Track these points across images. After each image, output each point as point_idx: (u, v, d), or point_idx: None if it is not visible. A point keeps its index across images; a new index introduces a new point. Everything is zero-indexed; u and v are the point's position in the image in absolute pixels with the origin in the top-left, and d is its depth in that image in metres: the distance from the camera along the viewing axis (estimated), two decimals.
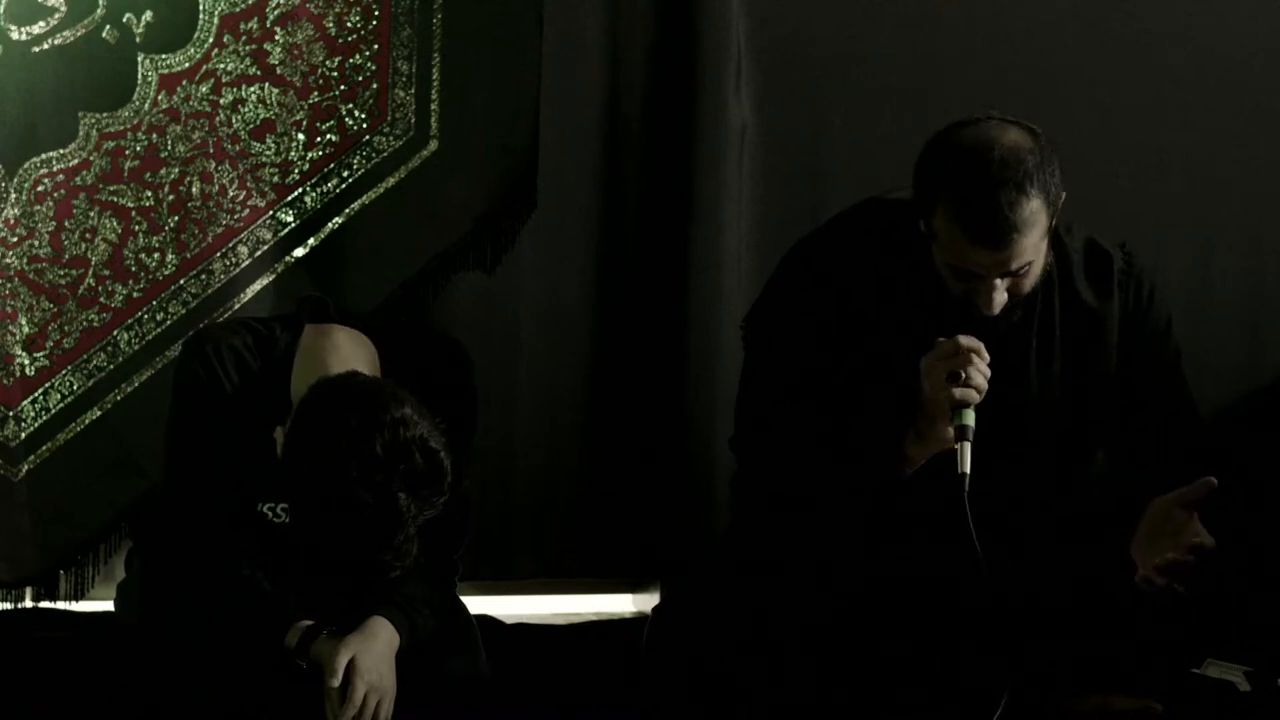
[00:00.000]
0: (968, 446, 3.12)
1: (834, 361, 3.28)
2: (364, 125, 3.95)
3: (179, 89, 3.87)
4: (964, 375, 3.13)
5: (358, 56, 3.93)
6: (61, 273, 3.86)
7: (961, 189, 3.14)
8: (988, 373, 3.15)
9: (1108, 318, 3.37)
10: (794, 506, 3.30)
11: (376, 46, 3.94)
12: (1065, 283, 3.35)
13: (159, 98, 3.86)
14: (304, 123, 3.93)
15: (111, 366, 3.89)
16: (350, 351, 3.27)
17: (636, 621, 4.03)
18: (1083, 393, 3.36)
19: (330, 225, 3.97)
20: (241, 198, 3.92)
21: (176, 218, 3.89)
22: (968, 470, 3.11)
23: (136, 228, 3.88)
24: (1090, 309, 3.36)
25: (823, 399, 3.27)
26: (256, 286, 3.94)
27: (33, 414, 3.86)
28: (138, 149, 3.87)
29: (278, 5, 3.89)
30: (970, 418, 3.13)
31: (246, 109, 3.90)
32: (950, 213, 3.15)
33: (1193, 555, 3.14)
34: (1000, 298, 3.18)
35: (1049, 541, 3.35)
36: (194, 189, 3.89)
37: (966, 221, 3.13)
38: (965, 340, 3.15)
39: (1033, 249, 3.16)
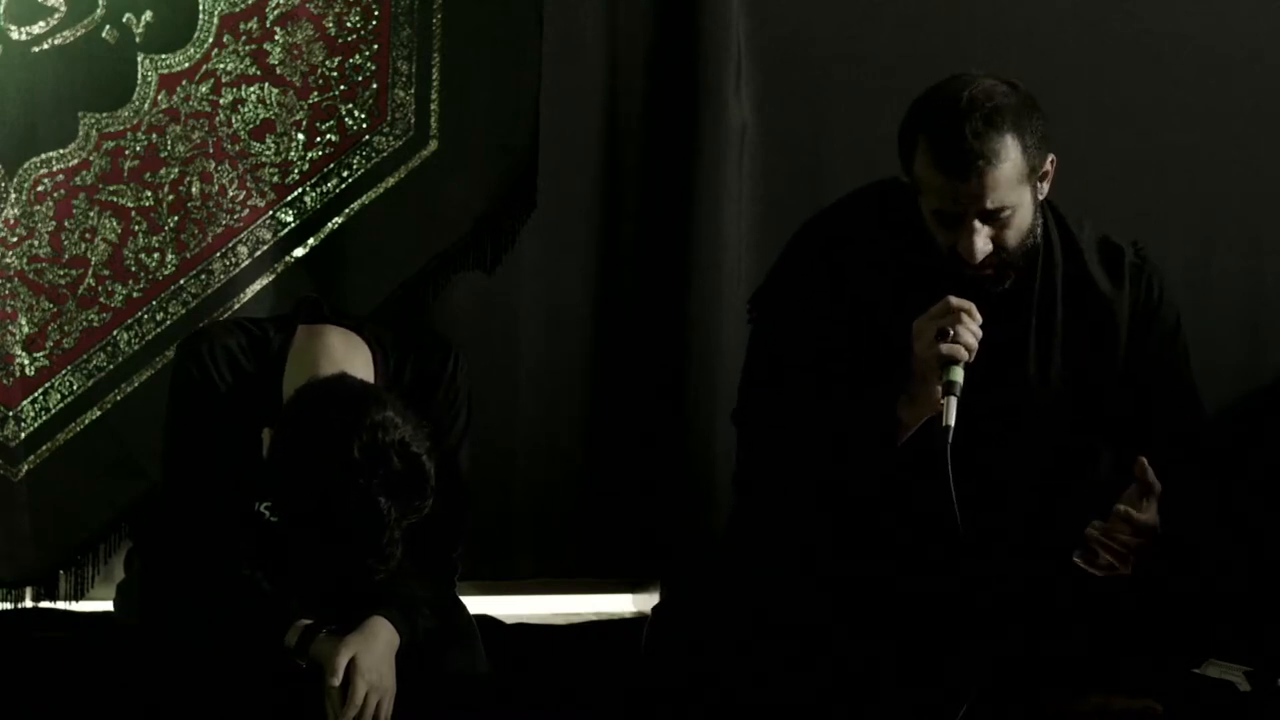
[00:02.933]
0: (954, 401, 3.14)
1: (838, 341, 3.29)
2: (364, 125, 3.95)
3: (179, 89, 3.87)
4: (952, 332, 3.16)
5: (358, 56, 3.94)
6: (61, 273, 3.86)
7: (932, 123, 3.19)
8: (978, 332, 3.18)
9: (1118, 305, 3.38)
10: (792, 482, 3.31)
11: (376, 46, 3.94)
12: (1075, 266, 3.36)
13: (159, 98, 3.86)
14: (304, 123, 3.93)
15: (111, 366, 3.90)
16: (342, 353, 3.27)
17: (636, 621, 4.03)
18: (1086, 377, 3.37)
19: (330, 225, 3.97)
20: (241, 198, 3.92)
21: (176, 218, 3.90)
22: (952, 424, 3.13)
23: (136, 228, 3.88)
24: (1102, 293, 3.37)
25: (826, 377, 3.29)
26: (256, 286, 3.94)
27: (33, 414, 3.86)
28: (137, 149, 3.87)
29: (278, 5, 3.89)
30: (958, 374, 3.16)
31: (246, 109, 3.90)
32: (925, 149, 3.19)
33: (1138, 536, 3.17)
34: (981, 244, 3.20)
35: (1040, 526, 3.35)
36: (194, 189, 3.89)
37: (936, 152, 3.17)
38: (956, 300, 3.18)
39: (1008, 189, 3.18)
